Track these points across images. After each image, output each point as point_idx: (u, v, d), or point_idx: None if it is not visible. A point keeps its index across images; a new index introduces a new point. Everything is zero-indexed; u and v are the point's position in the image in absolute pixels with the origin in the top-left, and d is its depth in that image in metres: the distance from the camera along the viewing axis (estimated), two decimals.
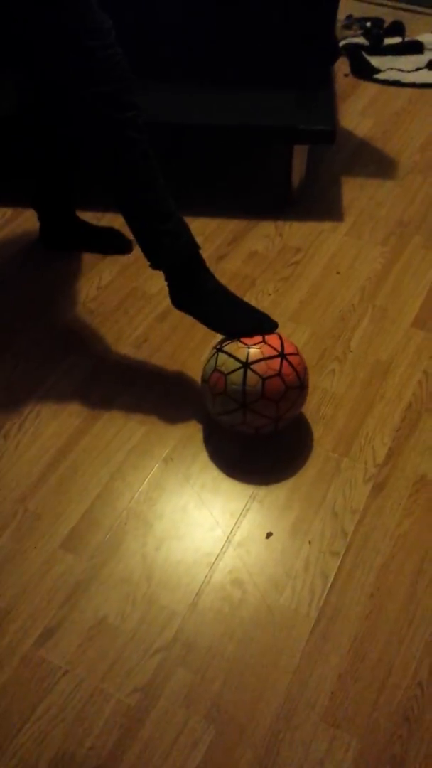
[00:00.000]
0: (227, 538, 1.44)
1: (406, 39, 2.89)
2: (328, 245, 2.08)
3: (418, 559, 1.40)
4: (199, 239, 2.07)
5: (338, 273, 2.00)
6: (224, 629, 1.31)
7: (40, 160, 1.83)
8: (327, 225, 2.15)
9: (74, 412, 1.64)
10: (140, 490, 1.51)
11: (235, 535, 1.44)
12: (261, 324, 1.51)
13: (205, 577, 1.38)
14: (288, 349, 1.48)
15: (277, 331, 1.52)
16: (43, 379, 1.71)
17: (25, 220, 2.13)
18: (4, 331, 1.83)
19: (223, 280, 1.96)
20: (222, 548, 1.42)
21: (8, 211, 2.17)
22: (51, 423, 1.62)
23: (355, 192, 2.27)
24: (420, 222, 2.16)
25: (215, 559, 1.40)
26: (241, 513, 1.47)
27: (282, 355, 1.46)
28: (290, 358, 1.47)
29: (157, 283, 1.93)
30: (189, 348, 1.78)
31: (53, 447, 1.58)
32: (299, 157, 2.15)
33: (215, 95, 2.11)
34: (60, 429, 1.61)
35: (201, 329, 1.84)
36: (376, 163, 2.39)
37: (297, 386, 1.47)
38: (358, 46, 2.84)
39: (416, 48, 2.85)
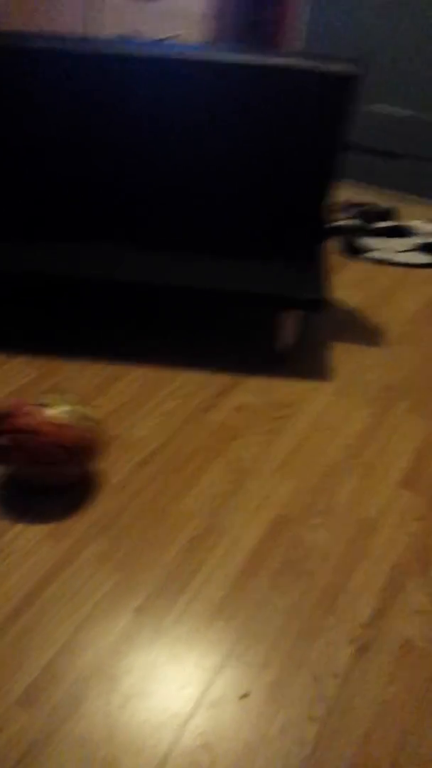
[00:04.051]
0: (199, 697, 1.33)
1: (396, 224, 3.11)
2: (316, 403, 2.11)
3: (400, 732, 1.29)
4: (185, 391, 2.12)
5: (325, 430, 2.00)
6: None
7: None
8: (315, 384, 2.19)
9: (44, 558, 1.58)
10: (107, 642, 1.41)
11: (208, 694, 1.33)
12: None
13: (173, 739, 1.26)
14: None
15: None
16: (14, 522, 1.66)
17: None
18: None
19: (209, 430, 1.97)
20: (193, 708, 1.31)
21: None
22: (19, 568, 1.55)
23: (343, 355, 2.33)
24: (407, 389, 2.20)
25: (185, 720, 1.29)
26: (216, 670, 1.37)
27: None
28: None
29: (140, 430, 1.94)
30: (169, 494, 1.75)
31: (19, 593, 1.50)
32: (289, 321, 2.24)
33: (215, 262, 2.24)
34: (27, 574, 1.54)
35: (183, 476, 1.82)
36: (364, 331, 2.48)
37: None
38: (351, 228, 3.06)
39: (404, 232, 3.06)
